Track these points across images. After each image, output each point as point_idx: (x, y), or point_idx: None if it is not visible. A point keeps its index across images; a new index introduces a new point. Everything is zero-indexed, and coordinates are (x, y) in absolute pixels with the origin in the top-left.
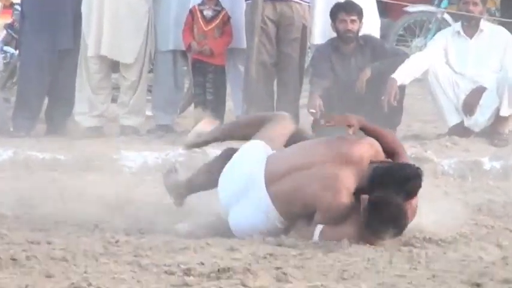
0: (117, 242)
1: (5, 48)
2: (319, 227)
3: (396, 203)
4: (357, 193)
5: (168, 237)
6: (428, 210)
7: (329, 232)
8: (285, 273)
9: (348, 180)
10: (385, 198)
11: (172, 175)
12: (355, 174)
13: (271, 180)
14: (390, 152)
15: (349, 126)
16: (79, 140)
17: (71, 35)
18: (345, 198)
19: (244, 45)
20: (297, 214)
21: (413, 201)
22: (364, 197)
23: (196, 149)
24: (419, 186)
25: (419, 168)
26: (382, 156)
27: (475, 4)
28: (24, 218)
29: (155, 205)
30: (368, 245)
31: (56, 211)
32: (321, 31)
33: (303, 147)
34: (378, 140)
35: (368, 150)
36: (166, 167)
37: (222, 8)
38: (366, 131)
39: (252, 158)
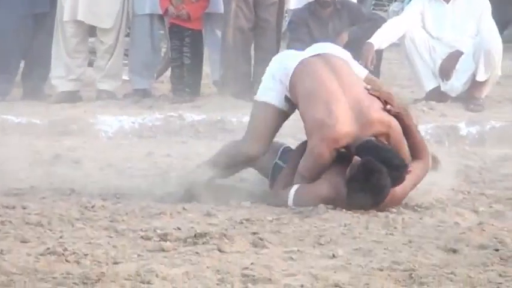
0: (93, 207)
1: None
2: (294, 187)
3: (386, 176)
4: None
5: (144, 202)
6: None
7: (303, 190)
8: (261, 239)
9: (344, 140)
10: (380, 168)
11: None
12: (354, 137)
13: (323, 59)
14: (414, 154)
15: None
16: (55, 104)
17: None
18: (330, 154)
19: (221, 9)
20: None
21: (397, 192)
22: (358, 158)
23: (174, 114)
24: (398, 177)
25: (407, 166)
26: (393, 144)
27: None
28: None
29: (132, 170)
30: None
31: (31, 176)
32: None
33: (359, 81)
34: (405, 135)
35: (382, 126)
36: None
37: None
38: (399, 121)
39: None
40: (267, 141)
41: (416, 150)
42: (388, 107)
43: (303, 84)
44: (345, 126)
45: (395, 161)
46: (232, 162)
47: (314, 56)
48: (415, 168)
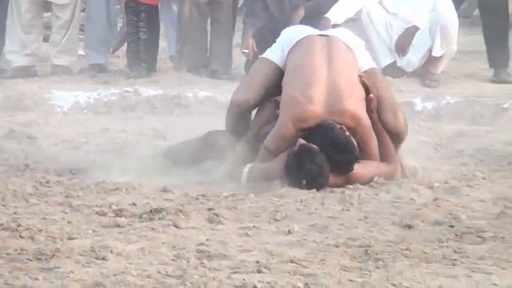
0: (48, 182)
1: None
2: (248, 166)
3: (321, 164)
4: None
5: (99, 177)
6: None
7: (256, 169)
8: (217, 215)
9: (311, 121)
10: (314, 153)
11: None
12: (321, 121)
13: (327, 41)
14: (382, 160)
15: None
16: (10, 79)
17: None
18: (296, 132)
19: None
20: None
21: (353, 176)
22: (301, 140)
23: (129, 89)
24: (343, 162)
25: (355, 155)
26: (357, 140)
27: None
28: None
29: (87, 145)
30: None
31: None
32: None
33: (353, 71)
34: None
35: (351, 121)
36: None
37: None
38: (372, 124)
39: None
40: (256, 91)
41: (385, 157)
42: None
43: (294, 58)
44: (315, 108)
45: (343, 145)
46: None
47: (321, 35)
48: (381, 164)
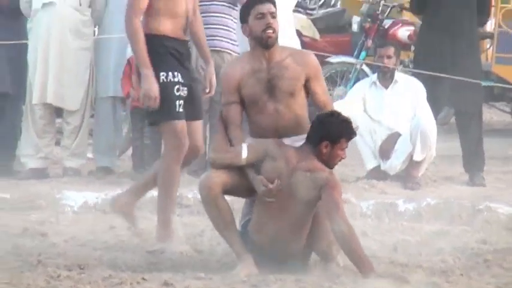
0: (58, 276)
1: None
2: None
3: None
4: None
5: (106, 272)
6: None
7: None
8: None
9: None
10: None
11: None
12: None
13: None
14: None
15: None
16: (25, 180)
17: (7, 79)
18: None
19: None
20: None
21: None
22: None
23: None
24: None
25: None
26: None
27: (389, 57)
28: None
29: (94, 242)
30: None
31: (1, 247)
32: None
33: None
34: None
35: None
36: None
37: None
38: None
39: None
40: None
41: None
42: None
43: None
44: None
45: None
46: None
47: None
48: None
